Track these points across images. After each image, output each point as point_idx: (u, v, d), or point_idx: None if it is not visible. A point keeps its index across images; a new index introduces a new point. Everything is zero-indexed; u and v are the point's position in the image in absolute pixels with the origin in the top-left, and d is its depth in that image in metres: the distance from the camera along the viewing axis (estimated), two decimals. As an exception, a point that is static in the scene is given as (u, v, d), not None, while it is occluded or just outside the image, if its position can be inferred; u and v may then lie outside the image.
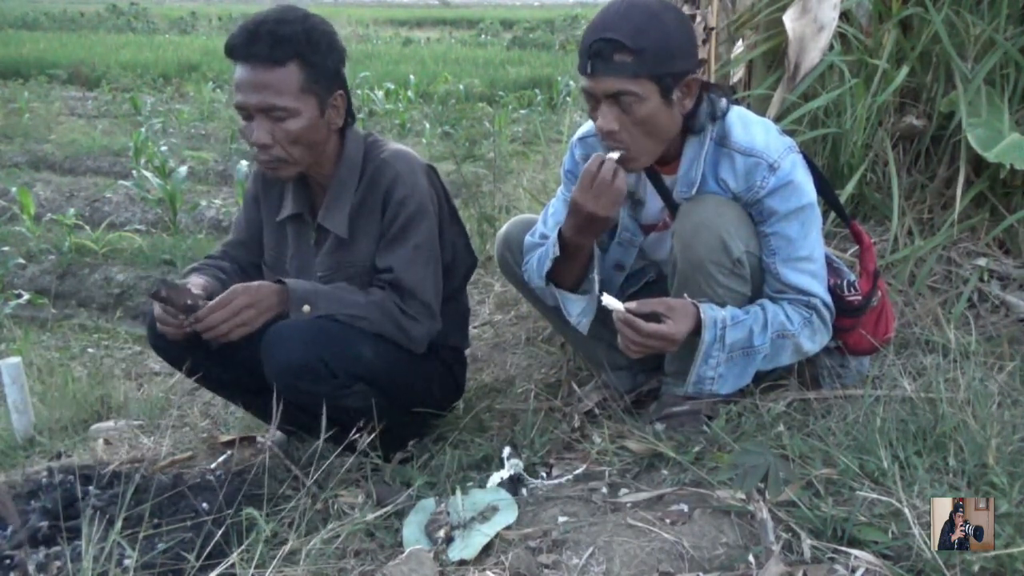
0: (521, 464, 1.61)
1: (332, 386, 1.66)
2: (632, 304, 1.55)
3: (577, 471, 1.59)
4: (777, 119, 2.27)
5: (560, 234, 1.67)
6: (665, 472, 1.53)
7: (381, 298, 1.74)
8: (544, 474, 1.62)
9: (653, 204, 1.78)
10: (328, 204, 1.78)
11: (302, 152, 1.69)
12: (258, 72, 1.60)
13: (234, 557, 1.29)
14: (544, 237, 1.86)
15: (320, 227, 1.79)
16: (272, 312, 1.65)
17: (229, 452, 1.96)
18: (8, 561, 1.46)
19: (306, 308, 1.66)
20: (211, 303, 1.60)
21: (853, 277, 1.74)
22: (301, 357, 1.62)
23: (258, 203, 1.90)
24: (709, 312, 1.58)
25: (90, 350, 4.22)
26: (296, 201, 1.81)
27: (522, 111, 9.31)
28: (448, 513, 1.44)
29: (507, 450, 1.64)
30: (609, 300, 1.55)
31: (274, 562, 1.28)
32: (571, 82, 9.49)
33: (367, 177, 1.78)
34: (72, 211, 6.16)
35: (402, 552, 1.32)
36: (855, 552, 1.17)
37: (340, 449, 1.61)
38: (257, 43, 1.59)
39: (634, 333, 1.53)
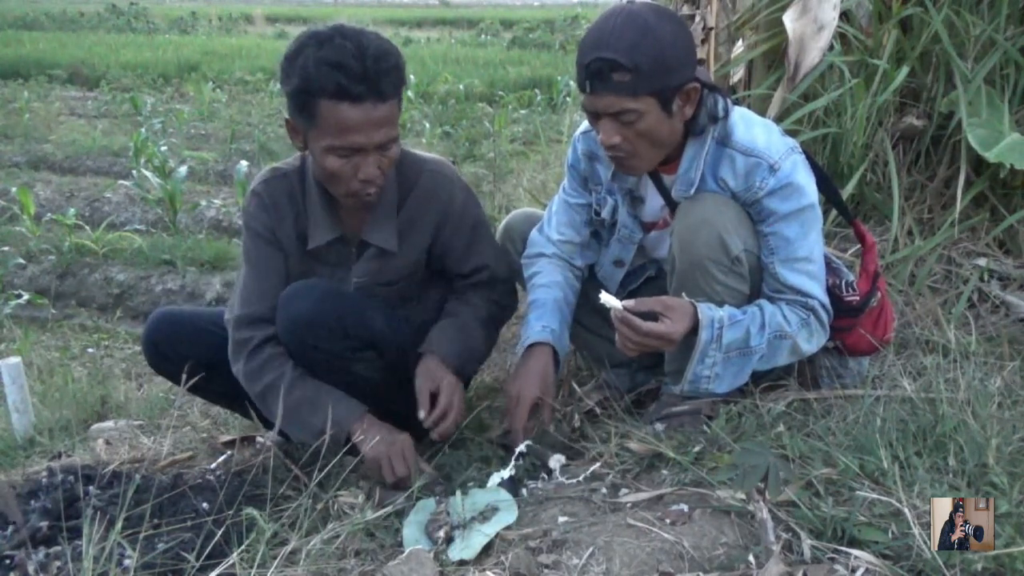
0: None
1: (342, 346, 1.67)
2: (630, 302, 1.55)
3: (577, 471, 1.59)
4: (777, 119, 2.27)
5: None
6: (665, 472, 1.53)
7: (487, 311, 1.85)
8: (544, 474, 1.62)
9: (654, 202, 1.78)
10: (373, 221, 1.75)
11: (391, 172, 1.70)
12: (379, 109, 1.55)
13: (234, 557, 1.29)
14: (548, 240, 1.90)
15: (363, 243, 1.77)
16: None
17: (229, 452, 1.96)
18: (8, 561, 1.46)
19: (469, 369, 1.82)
20: (438, 412, 1.69)
21: (852, 277, 1.74)
22: (315, 311, 1.63)
23: (274, 235, 1.76)
24: (707, 312, 1.58)
25: (90, 350, 4.22)
26: (331, 225, 1.74)
27: (522, 111, 9.29)
28: (448, 513, 1.44)
29: (524, 445, 1.65)
30: (607, 298, 1.55)
31: (275, 562, 1.28)
32: (571, 82, 9.48)
33: (417, 191, 1.77)
34: (72, 211, 6.16)
35: (402, 552, 1.32)
36: (855, 552, 1.17)
37: (343, 450, 1.61)
38: (381, 83, 1.53)
39: (631, 332, 1.54)
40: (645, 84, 1.49)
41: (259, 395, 1.71)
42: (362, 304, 1.71)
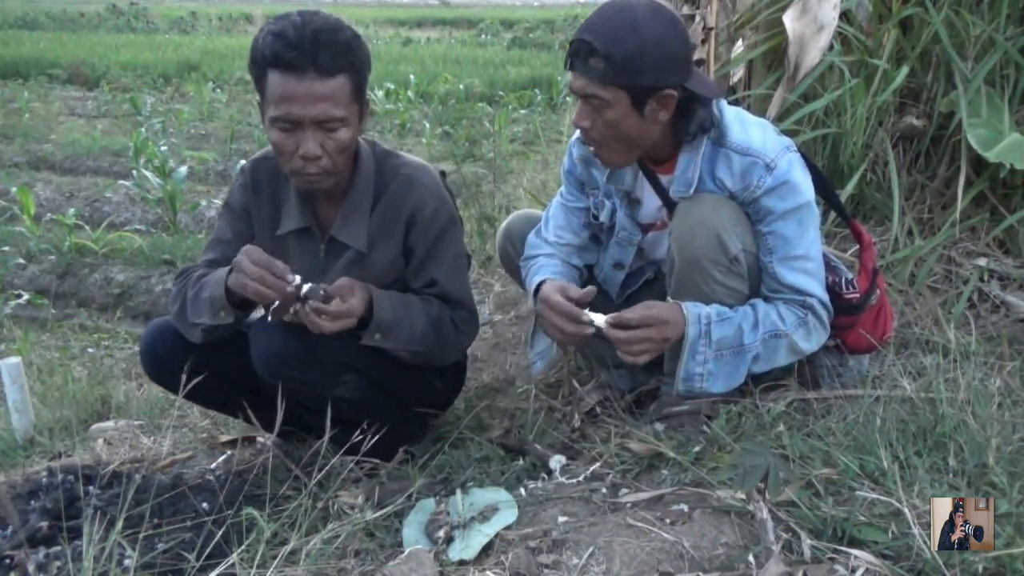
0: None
1: (320, 374, 1.65)
2: (611, 316, 1.57)
3: (577, 471, 1.59)
4: (777, 119, 2.27)
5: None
6: (665, 472, 1.53)
7: (438, 315, 1.74)
8: (544, 474, 1.62)
9: (651, 203, 1.78)
10: (344, 217, 1.74)
11: (345, 162, 1.66)
12: (316, 83, 1.54)
13: (234, 557, 1.29)
14: (546, 242, 1.89)
15: (332, 240, 1.76)
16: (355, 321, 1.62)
17: (229, 452, 1.96)
18: (8, 561, 1.46)
19: (377, 336, 1.66)
20: (332, 292, 1.57)
21: (851, 275, 1.74)
22: (283, 345, 1.62)
23: (248, 215, 1.82)
24: (692, 308, 1.59)
25: (90, 350, 4.22)
26: (302, 214, 1.76)
27: (522, 111, 9.31)
28: (448, 513, 1.44)
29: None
30: (591, 316, 1.57)
31: (275, 562, 1.28)
32: (571, 82, 9.48)
33: (389, 192, 1.75)
34: (72, 211, 6.17)
35: (402, 552, 1.32)
36: (855, 552, 1.17)
37: (343, 451, 1.61)
38: (319, 54, 1.53)
39: (626, 332, 1.54)
40: (615, 76, 1.50)
41: (178, 295, 1.73)
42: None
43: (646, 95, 1.53)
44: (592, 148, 1.65)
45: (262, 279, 1.53)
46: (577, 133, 1.84)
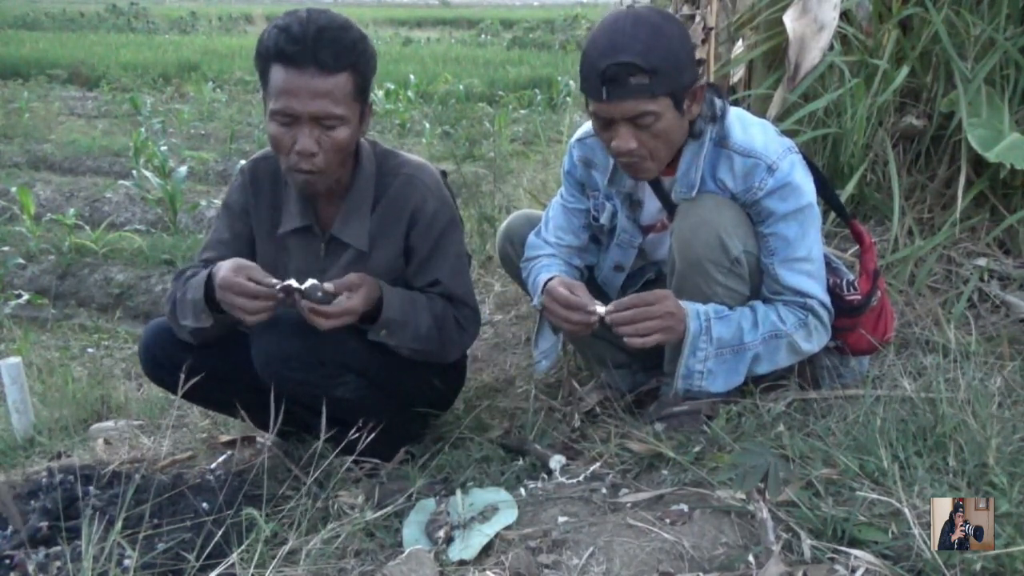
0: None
1: (321, 375, 1.66)
2: (612, 303, 1.59)
3: (577, 471, 1.59)
4: (777, 119, 2.27)
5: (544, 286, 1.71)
6: (665, 472, 1.53)
7: (442, 313, 1.74)
8: (544, 474, 1.62)
9: (651, 205, 1.78)
10: (345, 216, 1.74)
11: (341, 161, 1.66)
12: (316, 79, 1.55)
13: (234, 557, 1.29)
14: (546, 243, 1.88)
15: (332, 239, 1.76)
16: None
17: (229, 452, 1.96)
18: (8, 561, 1.46)
19: (383, 333, 1.67)
20: (336, 290, 1.58)
21: (852, 277, 1.74)
22: (285, 345, 1.63)
23: (247, 215, 1.81)
24: (691, 305, 1.59)
25: (90, 350, 4.23)
26: (303, 213, 1.76)
27: (522, 111, 9.32)
28: (448, 513, 1.44)
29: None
30: (595, 306, 1.58)
31: (274, 562, 1.28)
32: (571, 82, 9.49)
33: (390, 191, 1.75)
34: (72, 211, 6.17)
35: (402, 552, 1.32)
36: (855, 552, 1.17)
37: (339, 449, 1.60)
38: (321, 50, 1.54)
39: (629, 311, 1.55)
40: (662, 85, 1.50)
41: (171, 295, 1.74)
42: (333, 329, 1.65)
43: (684, 94, 1.54)
44: (633, 164, 1.61)
45: (244, 291, 1.53)
46: (578, 133, 1.84)
